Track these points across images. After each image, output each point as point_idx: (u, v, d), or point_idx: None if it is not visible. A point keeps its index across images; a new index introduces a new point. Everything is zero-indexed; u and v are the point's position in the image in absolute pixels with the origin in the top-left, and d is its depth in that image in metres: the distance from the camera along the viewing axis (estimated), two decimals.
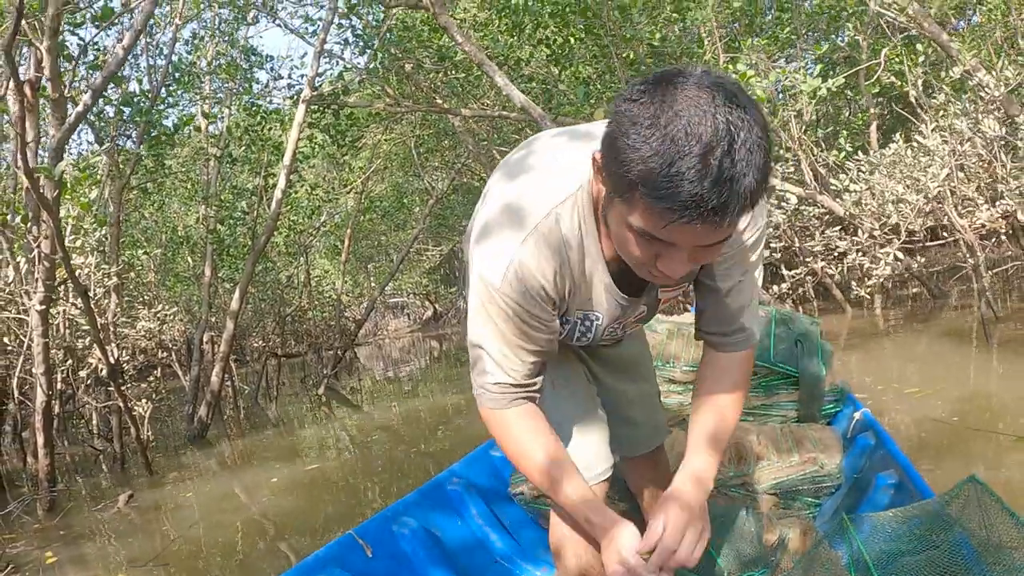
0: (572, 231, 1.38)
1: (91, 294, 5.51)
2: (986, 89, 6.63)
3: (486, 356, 1.46)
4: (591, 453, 1.74)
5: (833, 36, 10.71)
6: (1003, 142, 6.34)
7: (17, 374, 5.85)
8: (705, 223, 1.08)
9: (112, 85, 5.81)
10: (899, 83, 8.96)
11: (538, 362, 1.49)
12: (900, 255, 6.55)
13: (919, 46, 7.84)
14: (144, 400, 6.66)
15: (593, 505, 1.49)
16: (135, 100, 6.38)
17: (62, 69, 4.63)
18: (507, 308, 1.40)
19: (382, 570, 2.44)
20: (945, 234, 7.05)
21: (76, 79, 5.62)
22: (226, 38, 10.46)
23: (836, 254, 7.36)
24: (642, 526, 2.04)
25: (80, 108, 4.44)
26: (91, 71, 6.40)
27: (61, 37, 4.44)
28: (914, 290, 11.31)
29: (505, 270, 1.37)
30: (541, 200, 1.38)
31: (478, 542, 2.84)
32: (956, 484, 1.55)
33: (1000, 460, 3.73)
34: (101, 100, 6.23)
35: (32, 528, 5.21)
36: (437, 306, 26.01)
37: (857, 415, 3.15)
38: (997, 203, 6.22)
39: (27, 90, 4.42)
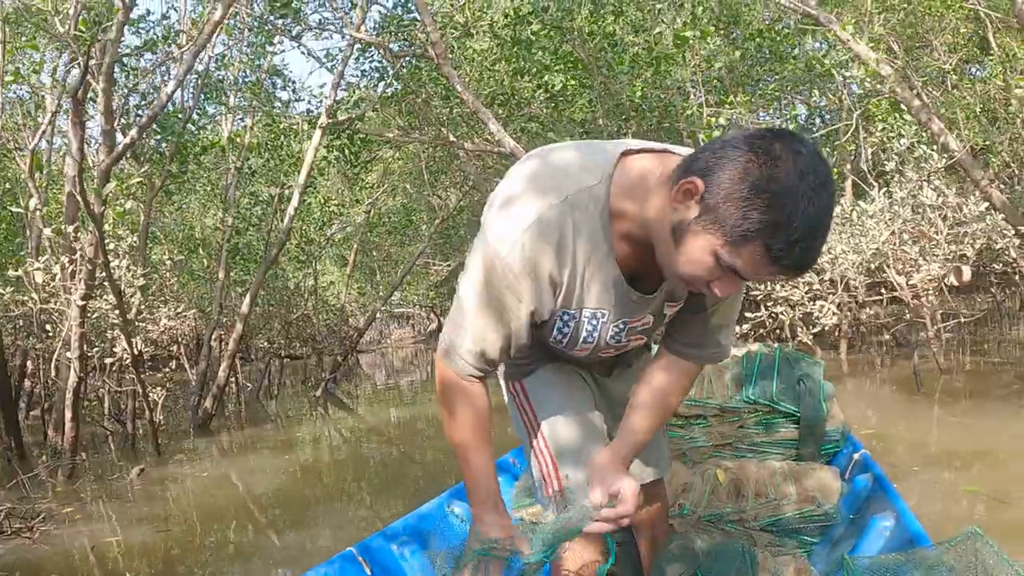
0: (583, 220, 1.44)
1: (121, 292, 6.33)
2: (931, 160, 7.38)
3: (467, 318, 1.54)
4: None
5: (813, 98, 11.38)
6: (939, 210, 7.07)
7: (55, 358, 6.67)
8: (792, 275, 1.32)
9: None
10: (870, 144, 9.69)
11: (507, 345, 1.57)
12: (835, 308, 7.28)
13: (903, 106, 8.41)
14: (158, 388, 7.47)
15: (491, 495, 1.65)
16: (169, 123, 7.23)
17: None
18: (504, 279, 1.46)
19: None
20: (883, 290, 7.76)
21: (124, 107, 6.45)
22: (254, 56, 11.28)
23: (789, 302, 8.08)
24: (637, 558, 2.23)
25: (127, 140, 5.29)
26: (131, 93, 7.26)
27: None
28: (886, 337, 11.97)
29: (512, 243, 1.43)
30: (558, 185, 1.44)
31: None
32: (958, 535, 1.65)
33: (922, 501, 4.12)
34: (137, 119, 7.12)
35: (55, 491, 6.00)
36: (442, 319, 26.49)
37: (856, 456, 3.18)
38: (923, 267, 6.93)
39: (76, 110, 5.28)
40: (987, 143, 9.57)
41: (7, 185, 10.28)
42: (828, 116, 13.45)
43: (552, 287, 1.49)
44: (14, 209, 5.24)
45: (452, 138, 10.65)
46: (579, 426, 1.81)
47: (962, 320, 8.38)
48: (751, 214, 1.22)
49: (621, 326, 1.62)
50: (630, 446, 1.69)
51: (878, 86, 7.66)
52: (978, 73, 12.48)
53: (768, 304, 8.63)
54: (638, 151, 1.49)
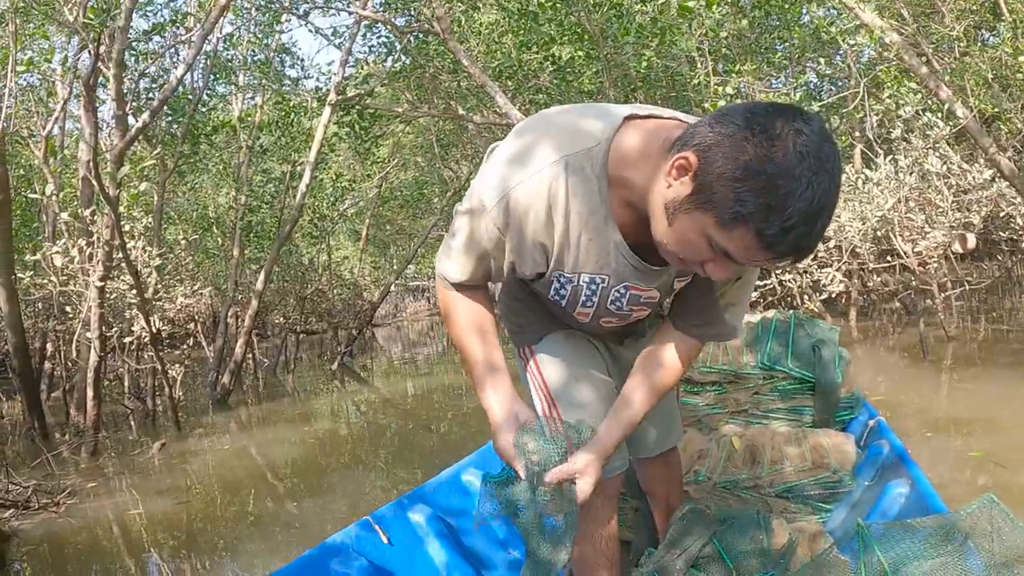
0: (578, 183, 1.39)
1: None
2: (936, 127, 7.37)
3: (454, 247, 1.55)
4: None
5: (818, 64, 11.31)
6: (945, 178, 7.08)
7: (75, 339, 6.86)
8: (787, 262, 1.25)
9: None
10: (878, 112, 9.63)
11: (485, 278, 1.60)
12: (841, 276, 7.33)
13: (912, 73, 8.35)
14: (177, 365, 7.65)
15: (497, 385, 1.59)
16: (180, 105, 7.35)
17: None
18: (486, 230, 1.45)
19: (398, 557, 2.50)
20: (889, 258, 7.79)
21: (135, 90, 6.57)
22: (262, 35, 11.35)
23: (797, 268, 8.13)
24: (652, 525, 2.26)
25: (140, 123, 5.40)
26: (142, 77, 7.38)
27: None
28: (896, 304, 11.98)
29: (499, 198, 1.40)
30: (556, 145, 1.40)
31: (492, 533, 2.85)
32: (974, 502, 1.62)
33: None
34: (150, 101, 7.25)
35: (79, 468, 6.19)
36: None
37: (872, 423, 3.16)
38: (930, 235, 6.97)
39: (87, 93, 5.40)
40: (996, 110, 9.50)
41: (21, 172, 10.43)
42: (840, 83, 13.35)
43: (538, 247, 1.47)
44: (30, 195, 5.37)
45: (461, 111, 10.70)
46: (579, 377, 1.81)
47: (968, 287, 8.40)
48: (744, 196, 1.15)
49: (622, 290, 1.57)
50: (621, 428, 1.64)
51: (885, 53, 7.63)
52: (992, 40, 12.30)
53: (776, 271, 8.68)
54: (645, 116, 1.43)
